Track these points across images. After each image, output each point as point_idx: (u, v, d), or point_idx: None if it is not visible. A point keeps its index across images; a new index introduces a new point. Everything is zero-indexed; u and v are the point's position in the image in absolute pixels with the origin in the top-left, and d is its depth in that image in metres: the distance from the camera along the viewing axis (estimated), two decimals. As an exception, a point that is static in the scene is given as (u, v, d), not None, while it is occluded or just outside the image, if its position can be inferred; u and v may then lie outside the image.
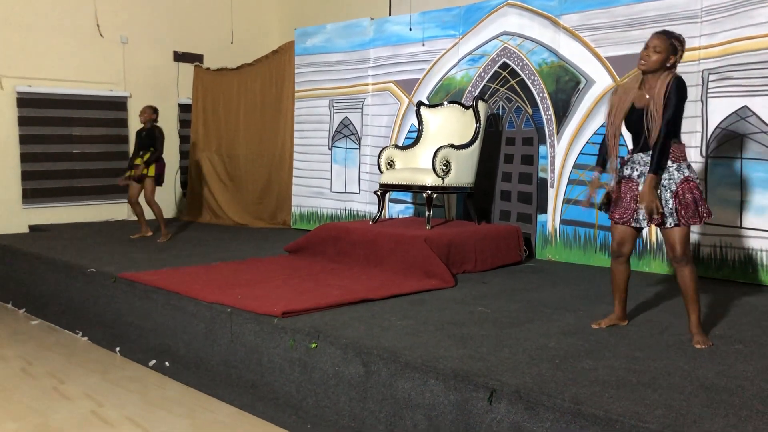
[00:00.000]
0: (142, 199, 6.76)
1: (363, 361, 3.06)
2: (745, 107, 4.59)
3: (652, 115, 3.11)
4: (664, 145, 3.09)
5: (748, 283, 4.55)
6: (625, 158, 3.34)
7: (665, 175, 3.13)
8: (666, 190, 3.13)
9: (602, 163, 3.41)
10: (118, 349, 4.68)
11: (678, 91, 3.09)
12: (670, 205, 3.11)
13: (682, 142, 3.21)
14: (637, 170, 3.23)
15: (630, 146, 3.37)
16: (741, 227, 4.63)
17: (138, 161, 6.69)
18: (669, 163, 3.13)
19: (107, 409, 3.68)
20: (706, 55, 4.76)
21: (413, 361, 2.88)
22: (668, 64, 3.14)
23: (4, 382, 4.12)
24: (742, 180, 4.62)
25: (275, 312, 3.58)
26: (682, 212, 3.09)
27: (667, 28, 3.37)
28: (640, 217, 3.20)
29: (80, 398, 3.84)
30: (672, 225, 3.12)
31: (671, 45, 3.13)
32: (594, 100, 5.32)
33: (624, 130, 3.33)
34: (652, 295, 4.19)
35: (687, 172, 3.14)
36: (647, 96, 3.16)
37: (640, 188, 3.18)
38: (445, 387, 2.74)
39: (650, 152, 3.15)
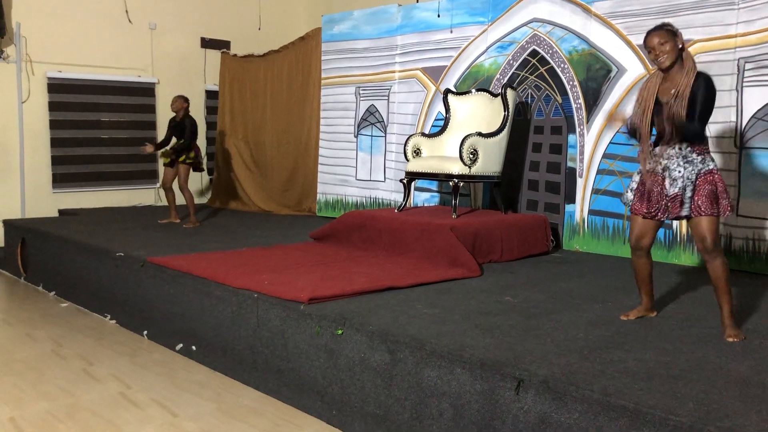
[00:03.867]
0: (175, 186, 6.81)
1: (389, 349, 3.05)
2: (782, 97, 4.48)
3: (677, 111, 3.09)
4: (692, 136, 3.09)
5: (781, 277, 4.46)
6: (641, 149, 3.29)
7: (689, 167, 3.11)
8: (688, 181, 3.10)
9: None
10: (145, 332, 4.73)
11: (707, 90, 3.08)
12: (689, 195, 3.09)
13: (708, 136, 3.20)
14: (661, 164, 3.19)
15: (652, 139, 3.31)
16: (775, 220, 4.53)
17: (170, 148, 6.73)
18: (694, 155, 3.12)
19: (135, 391, 3.73)
20: (743, 43, 4.65)
21: (439, 350, 2.87)
22: (680, 46, 3.13)
23: (36, 362, 4.19)
24: (777, 171, 4.52)
25: (301, 298, 3.59)
26: (699, 202, 3.07)
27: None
28: (666, 208, 3.18)
29: (109, 380, 3.90)
30: (687, 213, 3.09)
31: (668, 31, 3.13)
32: (625, 89, 5.23)
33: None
34: (682, 287, 4.13)
35: (711, 165, 3.13)
36: (672, 91, 3.14)
37: (666, 182, 3.16)
38: (471, 376, 2.72)
39: (674, 146, 3.14)
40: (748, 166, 4.64)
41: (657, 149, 3.23)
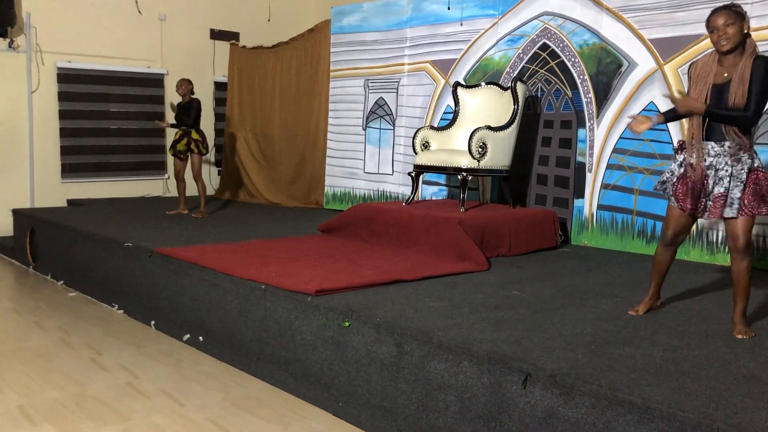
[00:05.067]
0: (188, 176, 6.83)
1: (396, 341, 3.05)
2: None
3: (734, 94, 2.93)
4: (741, 119, 2.93)
5: (791, 274, 4.43)
6: (690, 142, 3.14)
7: (737, 165, 2.98)
8: (735, 179, 2.99)
9: (669, 117, 3.27)
10: (153, 322, 4.75)
11: (766, 73, 2.90)
12: (736, 195, 2.98)
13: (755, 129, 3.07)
14: (705, 160, 3.05)
15: (694, 130, 3.11)
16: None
17: (177, 135, 6.75)
18: (742, 153, 2.98)
19: (142, 381, 3.74)
20: (758, 38, 4.59)
21: (447, 343, 2.86)
22: (746, 31, 2.97)
23: (45, 351, 4.21)
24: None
25: (309, 290, 3.59)
26: (745, 201, 2.97)
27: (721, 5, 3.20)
28: (707, 208, 3.07)
29: (116, 369, 3.91)
30: (731, 215, 2.99)
31: (736, 13, 2.96)
32: (636, 84, 5.20)
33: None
34: (691, 284, 4.11)
35: (758, 162, 3.02)
36: (726, 74, 2.99)
37: (709, 180, 3.04)
38: (478, 369, 2.72)
39: (721, 142, 3.00)
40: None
41: (704, 143, 3.06)
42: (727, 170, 3.01)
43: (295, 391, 3.57)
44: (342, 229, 5.54)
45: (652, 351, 2.79)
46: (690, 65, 3.22)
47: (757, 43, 4.55)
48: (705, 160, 3.06)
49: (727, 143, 3.00)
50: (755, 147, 3.11)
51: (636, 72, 5.21)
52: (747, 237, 2.99)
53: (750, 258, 3.03)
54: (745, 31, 2.98)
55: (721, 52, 3.01)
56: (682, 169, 3.17)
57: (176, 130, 6.80)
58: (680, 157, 3.20)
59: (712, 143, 3.05)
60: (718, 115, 2.96)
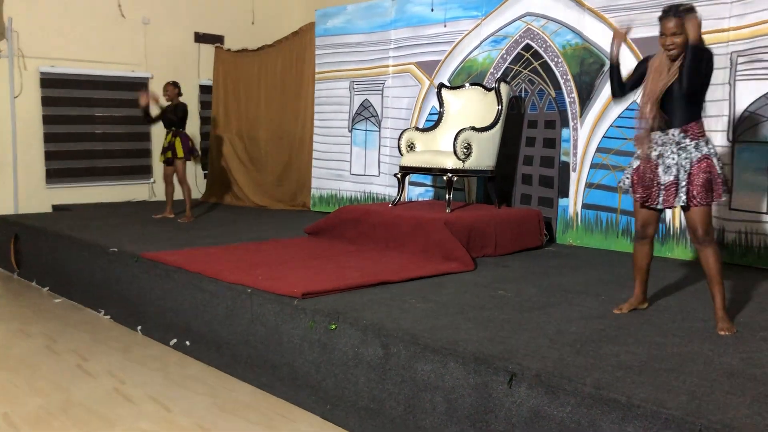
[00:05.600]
0: (176, 180, 6.84)
1: (382, 343, 3.06)
2: (775, 90, 4.49)
3: (659, 89, 3.05)
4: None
5: (773, 270, 4.48)
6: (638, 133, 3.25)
7: (683, 154, 3.07)
8: (681, 169, 3.06)
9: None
10: (139, 327, 4.73)
11: (705, 58, 2.99)
12: (683, 185, 3.06)
13: (702, 119, 3.13)
14: (656, 150, 3.15)
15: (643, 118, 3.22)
16: (767, 213, 4.54)
17: (167, 141, 6.76)
18: (687, 141, 3.07)
19: (129, 386, 3.73)
20: (736, 37, 4.65)
21: (433, 344, 2.88)
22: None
23: (30, 358, 4.19)
24: (769, 165, 4.53)
25: (295, 293, 3.59)
26: (694, 192, 3.04)
27: (671, 3, 3.22)
28: (660, 199, 3.15)
29: (103, 375, 3.89)
30: (681, 204, 3.07)
31: (687, 18, 3.01)
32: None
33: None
34: (675, 281, 4.15)
35: (705, 150, 3.07)
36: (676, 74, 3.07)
37: (659, 169, 3.13)
38: (465, 370, 2.73)
39: (670, 130, 3.09)
40: (741, 160, 4.65)
41: (653, 134, 3.17)
42: (673, 158, 3.09)
43: (283, 394, 3.57)
44: (328, 231, 5.54)
45: (636, 349, 2.82)
46: (650, 56, 3.27)
47: (734, 42, 4.62)
48: (654, 150, 3.14)
49: (671, 131, 3.08)
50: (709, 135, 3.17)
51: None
52: (705, 227, 3.06)
53: (713, 246, 3.08)
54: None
55: (671, 58, 3.09)
56: (637, 162, 3.25)
57: (164, 135, 6.81)
58: (637, 151, 3.27)
59: (659, 132, 3.13)
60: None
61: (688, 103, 3.07)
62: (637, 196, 3.23)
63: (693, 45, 3.00)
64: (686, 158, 3.07)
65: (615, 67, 3.32)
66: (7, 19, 7.50)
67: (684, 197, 3.06)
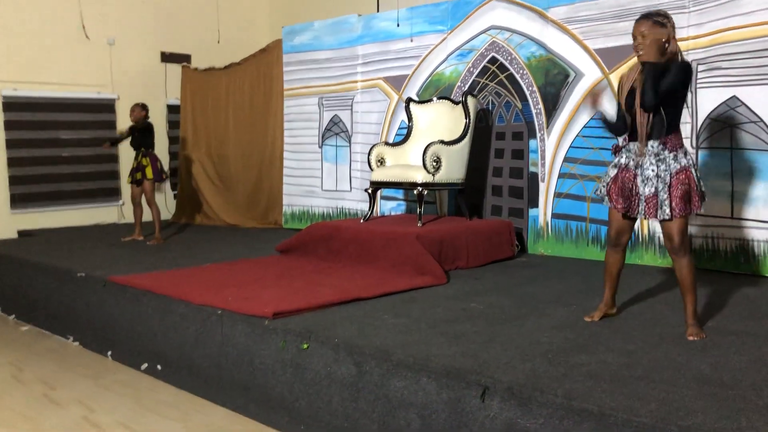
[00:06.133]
0: (144, 201, 6.76)
1: (355, 361, 3.03)
2: (734, 97, 4.58)
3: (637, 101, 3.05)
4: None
5: (741, 274, 4.54)
6: (620, 145, 3.29)
7: (662, 166, 3.07)
8: (661, 182, 3.07)
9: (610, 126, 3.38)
10: (109, 353, 4.64)
11: (678, 70, 3.00)
12: (664, 198, 3.07)
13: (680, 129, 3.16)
14: (633, 160, 3.17)
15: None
16: (733, 218, 4.62)
17: (136, 162, 6.69)
18: (666, 152, 3.08)
19: (99, 414, 3.65)
20: (695, 46, 4.74)
21: (405, 360, 2.86)
22: (665, 41, 3.04)
23: (-6, 389, 4.08)
24: (732, 170, 4.61)
25: (266, 313, 3.55)
26: (673, 204, 3.06)
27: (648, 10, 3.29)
28: (640, 209, 3.16)
29: (72, 404, 3.80)
30: (663, 218, 3.09)
31: (654, 23, 3.04)
32: (583, 93, 5.30)
33: None
34: (645, 288, 4.18)
35: (684, 161, 3.08)
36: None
37: (638, 180, 3.14)
38: (437, 385, 2.72)
39: (646, 143, 3.08)
40: (705, 166, 4.73)
41: (630, 145, 3.19)
42: (652, 170, 3.10)
43: (257, 416, 3.52)
44: (300, 248, 5.50)
45: (607, 357, 2.83)
46: (620, 75, 3.33)
47: (694, 50, 4.71)
48: (633, 160, 3.16)
49: (650, 143, 3.09)
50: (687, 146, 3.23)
51: (583, 82, 5.32)
52: (681, 237, 3.08)
53: (688, 257, 3.11)
54: (665, 40, 3.04)
55: (640, 62, 3.11)
56: (615, 171, 3.26)
57: (133, 157, 6.74)
58: (615, 160, 3.30)
59: (637, 144, 3.14)
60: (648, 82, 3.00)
61: (665, 114, 3.05)
62: (619, 206, 3.23)
63: (648, 62, 3.03)
64: (665, 170, 3.07)
65: (604, 120, 3.36)
66: (-32, 42, 7.38)
67: (667, 210, 3.05)
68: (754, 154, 4.52)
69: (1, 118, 7.64)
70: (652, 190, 3.10)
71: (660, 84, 3.00)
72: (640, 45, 3.06)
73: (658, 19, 3.05)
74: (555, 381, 2.54)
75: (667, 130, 3.08)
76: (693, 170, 3.10)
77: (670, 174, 3.07)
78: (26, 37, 7.77)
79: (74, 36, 8.12)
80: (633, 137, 3.19)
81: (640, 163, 3.14)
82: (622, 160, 3.23)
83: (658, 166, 3.09)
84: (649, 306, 3.74)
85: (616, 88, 3.35)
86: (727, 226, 4.64)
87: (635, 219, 3.29)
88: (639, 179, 3.15)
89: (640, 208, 3.17)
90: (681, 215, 3.06)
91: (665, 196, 3.06)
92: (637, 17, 3.16)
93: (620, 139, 3.34)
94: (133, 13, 8.58)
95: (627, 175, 3.20)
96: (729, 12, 4.56)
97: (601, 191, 3.35)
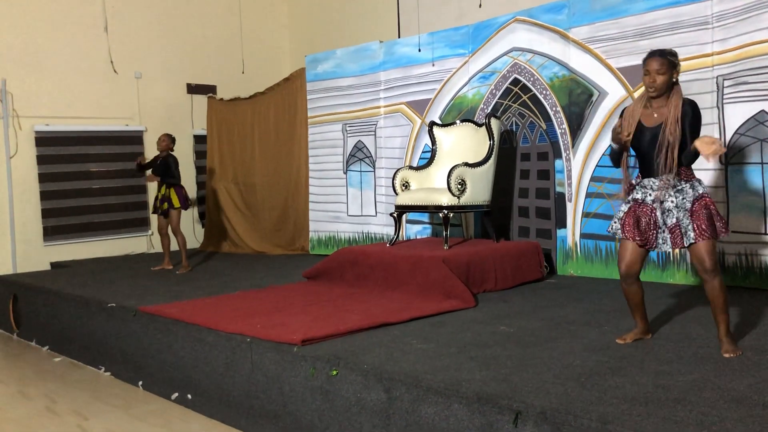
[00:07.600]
0: (170, 230, 6.84)
1: (384, 387, 3.01)
2: (763, 111, 4.52)
3: (668, 139, 3.12)
4: (687, 162, 3.16)
5: (776, 291, 4.44)
6: (635, 181, 3.34)
7: (680, 196, 3.15)
8: (681, 210, 3.13)
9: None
10: (140, 383, 4.67)
11: (695, 115, 3.14)
12: (687, 224, 3.11)
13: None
14: (650, 195, 3.22)
15: (637, 165, 3.36)
16: (766, 233, 4.53)
17: (160, 194, 6.78)
18: (683, 183, 3.16)
19: (131, 444, 3.66)
20: (720, 61, 4.70)
21: (436, 386, 2.83)
22: (674, 79, 3.19)
23: (29, 420, 4.12)
24: (764, 186, 4.53)
25: (295, 340, 3.55)
26: (703, 226, 3.08)
27: (660, 47, 3.40)
28: (659, 241, 3.21)
29: (104, 435, 3.83)
30: (689, 242, 3.10)
31: (669, 62, 3.17)
32: (608, 112, 5.27)
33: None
34: (677, 307, 4.11)
35: (701, 189, 3.17)
36: (656, 116, 3.20)
37: (657, 213, 3.19)
38: (469, 411, 2.68)
39: (661, 177, 3.16)
40: (735, 182, 4.66)
41: (645, 181, 3.25)
42: (672, 201, 3.17)
43: (287, 444, 3.51)
44: (327, 274, 5.51)
45: (641, 379, 2.77)
46: (624, 108, 3.41)
47: (719, 66, 4.68)
48: (650, 194, 3.22)
49: (665, 176, 3.16)
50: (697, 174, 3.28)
51: (607, 101, 5.29)
52: (712, 258, 3.09)
53: (719, 277, 3.11)
54: (674, 79, 3.19)
55: (650, 96, 3.21)
56: (627, 206, 3.31)
57: (157, 188, 6.84)
58: (627, 197, 3.35)
59: (653, 180, 3.22)
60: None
61: (680, 149, 3.14)
62: (637, 238, 3.24)
63: (690, 100, 3.20)
64: (683, 199, 3.14)
65: (614, 153, 3.43)
66: (1, 81, 7.59)
67: (692, 234, 3.09)
68: (786, 169, 4.44)
69: (34, 152, 7.82)
70: (674, 220, 3.15)
71: (690, 136, 3.12)
72: (652, 82, 3.17)
73: (671, 58, 3.18)
74: (589, 404, 2.49)
75: (680, 162, 3.16)
76: (709, 198, 3.17)
77: (689, 201, 3.13)
78: (57, 73, 7.98)
79: (103, 71, 8.32)
80: (645, 174, 3.26)
81: (659, 197, 3.17)
82: (637, 195, 3.28)
83: (676, 197, 3.16)
84: (681, 326, 3.67)
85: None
86: (760, 242, 4.55)
87: (648, 251, 3.30)
88: (658, 212, 3.19)
89: (659, 240, 3.20)
90: (708, 237, 3.07)
91: (688, 222, 3.11)
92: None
93: (632, 179, 3.39)
94: (159, 46, 8.77)
95: (644, 209, 3.24)
96: (753, 26, 4.52)
97: (613, 227, 3.38)
